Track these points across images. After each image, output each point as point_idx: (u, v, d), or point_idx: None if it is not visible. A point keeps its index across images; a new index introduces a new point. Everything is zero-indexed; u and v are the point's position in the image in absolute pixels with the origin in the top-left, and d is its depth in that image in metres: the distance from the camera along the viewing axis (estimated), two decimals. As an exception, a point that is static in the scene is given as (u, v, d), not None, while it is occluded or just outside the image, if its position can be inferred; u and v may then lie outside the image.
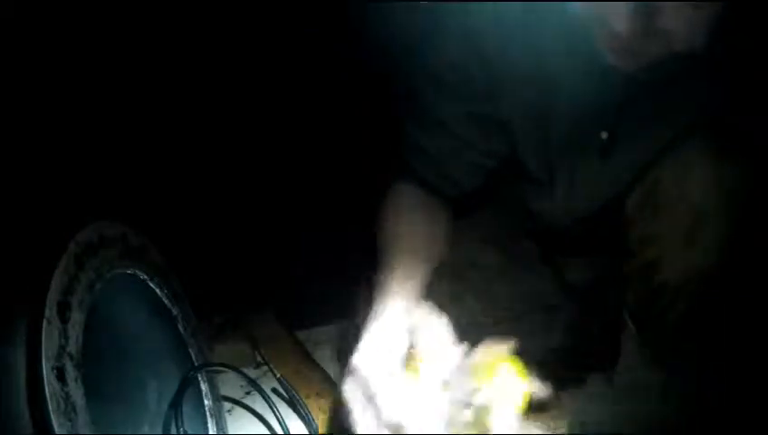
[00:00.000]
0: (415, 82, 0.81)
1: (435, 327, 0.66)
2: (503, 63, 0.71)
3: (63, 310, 0.59)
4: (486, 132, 0.78)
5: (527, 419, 0.63)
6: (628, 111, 0.66)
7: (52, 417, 0.52)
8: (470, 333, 0.89)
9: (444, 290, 0.85)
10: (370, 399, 0.61)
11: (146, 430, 0.72)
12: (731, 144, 0.60)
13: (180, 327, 0.80)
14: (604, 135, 0.68)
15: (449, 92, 0.77)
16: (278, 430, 0.81)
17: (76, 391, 0.57)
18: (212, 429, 0.79)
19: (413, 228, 0.78)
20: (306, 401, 0.85)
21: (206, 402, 0.80)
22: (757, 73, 0.59)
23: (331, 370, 0.93)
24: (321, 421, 0.82)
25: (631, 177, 0.67)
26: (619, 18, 0.53)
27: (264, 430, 0.83)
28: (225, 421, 0.83)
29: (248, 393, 0.88)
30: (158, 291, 0.77)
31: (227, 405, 0.86)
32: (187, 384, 0.77)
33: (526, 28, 0.68)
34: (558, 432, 0.79)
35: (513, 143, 0.77)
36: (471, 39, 0.73)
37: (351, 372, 0.64)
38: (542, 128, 0.73)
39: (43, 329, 0.55)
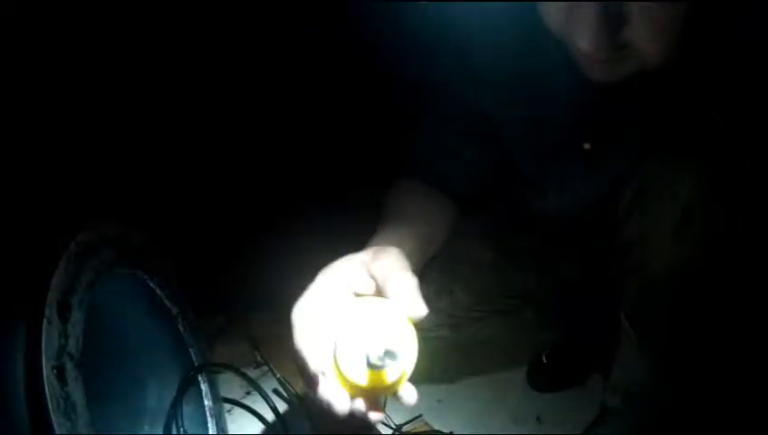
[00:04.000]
0: (413, 97, 0.82)
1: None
2: (497, 84, 0.72)
3: (63, 310, 0.59)
4: (482, 146, 0.79)
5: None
6: (612, 122, 0.67)
7: (52, 417, 0.52)
8: (460, 326, 0.90)
9: (434, 282, 0.86)
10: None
11: (146, 430, 0.72)
12: (717, 144, 0.60)
13: (180, 327, 0.80)
14: (587, 146, 0.69)
15: (445, 112, 0.78)
16: (278, 430, 0.81)
17: (76, 391, 0.57)
18: (212, 429, 0.79)
19: (418, 208, 0.78)
20: (306, 401, 0.85)
21: (206, 402, 0.80)
22: (737, 74, 0.59)
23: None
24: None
25: (618, 182, 0.67)
26: (582, 35, 0.54)
27: (264, 430, 0.83)
28: (225, 421, 0.83)
29: (248, 393, 0.88)
30: (157, 291, 0.77)
31: (227, 405, 0.86)
32: (187, 384, 0.77)
33: (520, 49, 0.69)
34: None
35: (508, 150, 0.78)
36: (467, 62, 0.74)
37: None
38: (534, 138, 0.74)
39: (43, 329, 0.55)
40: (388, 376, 0.53)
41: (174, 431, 0.72)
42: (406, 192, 0.81)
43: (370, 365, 0.52)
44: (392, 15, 0.94)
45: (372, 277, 0.57)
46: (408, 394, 0.55)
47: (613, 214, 0.68)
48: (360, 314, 0.55)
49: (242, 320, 1.00)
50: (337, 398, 0.53)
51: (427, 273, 0.85)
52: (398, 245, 0.63)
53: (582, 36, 0.54)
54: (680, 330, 0.62)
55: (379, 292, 0.57)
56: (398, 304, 0.54)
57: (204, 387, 0.81)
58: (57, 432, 0.52)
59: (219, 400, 0.83)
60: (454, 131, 0.79)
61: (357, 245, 0.66)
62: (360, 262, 0.59)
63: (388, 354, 0.51)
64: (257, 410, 0.86)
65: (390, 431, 0.86)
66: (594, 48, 0.54)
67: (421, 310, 0.54)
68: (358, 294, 0.57)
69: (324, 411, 0.54)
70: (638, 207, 0.65)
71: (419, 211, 0.77)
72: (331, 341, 0.55)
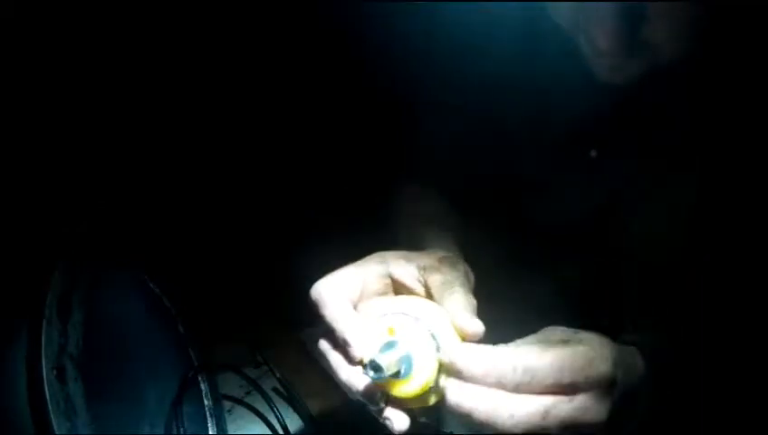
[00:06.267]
0: (415, 100, 0.82)
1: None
2: (501, 85, 0.72)
3: (63, 310, 0.59)
4: (485, 150, 0.79)
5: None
6: (617, 126, 0.66)
7: (52, 417, 0.52)
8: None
9: None
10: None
11: (146, 430, 0.72)
12: (721, 146, 0.60)
13: (180, 327, 0.80)
14: (593, 153, 0.69)
15: (448, 113, 0.78)
16: (278, 430, 0.81)
17: (76, 391, 0.57)
18: (212, 429, 0.79)
19: (435, 213, 0.77)
20: (306, 401, 0.85)
21: (206, 402, 0.80)
22: (744, 78, 0.59)
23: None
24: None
25: (620, 184, 0.67)
26: (603, 34, 0.52)
27: (264, 429, 0.83)
28: (225, 421, 0.83)
29: (248, 393, 0.88)
30: (157, 291, 0.77)
31: (227, 405, 0.86)
32: (188, 384, 0.77)
33: (526, 52, 0.68)
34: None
35: (511, 153, 0.77)
36: (470, 64, 0.73)
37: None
38: (538, 140, 0.73)
39: (43, 329, 0.55)
40: (400, 388, 0.49)
41: (174, 431, 0.72)
42: (431, 202, 0.79)
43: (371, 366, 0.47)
44: (394, 17, 0.94)
45: (426, 285, 0.55)
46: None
47: (615, 216, 0.68)
48: (410, 313, 0.51)
49: (242, 320, 1.00)
50: (354, 377, 0.51)
51: None
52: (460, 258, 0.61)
53: (602, 34, 0.52)
54: (684, 331, 0.62)
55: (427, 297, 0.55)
56: (453, 319, 0.51)
57: (204, 387, 0.81)
58: (57, 432, 0.52)
59: (219, 400, 0.83)
60: (457, 134, 0.79)
61: (360, 250, 0.66)
62: (419, 265, 0.56)
63: (379, 366, 0.46)
64: (257, 409, 0.86)
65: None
66: (613, 46, 0.53)
67: (478, 328, 0.51)
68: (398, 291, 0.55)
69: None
70: (641, 208, 0.64)
71: (454, 223, 0.76)
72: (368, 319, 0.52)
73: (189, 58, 1.07)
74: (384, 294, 0.57)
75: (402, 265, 0.56)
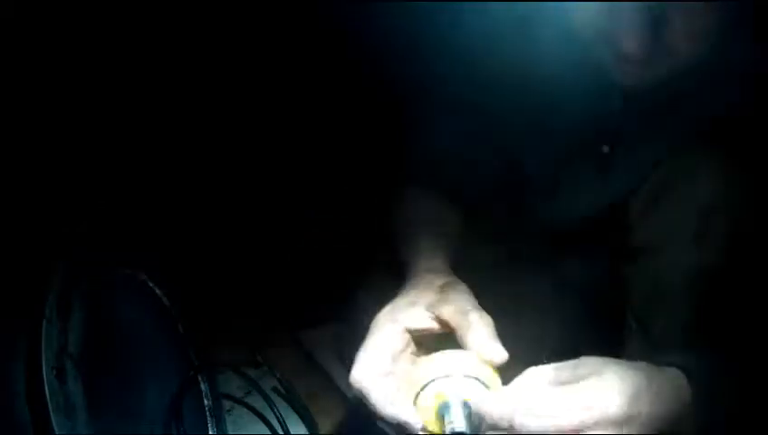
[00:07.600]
0: (418, 103, 0.82)
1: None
2: (507, 87, 0.71)
3: (63, 310, 0.59)
4: (492, 151, 0.79)
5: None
6: (631, 125, 0.66)
7: (52, 417, 0.52)
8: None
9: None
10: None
11: (146, 430, 0.72)
12: (738, 145, 0.60)
13: (180, 327, 0.80)
14: (605, 149, 0.69)
15: (451, 115, 0.78)
16: (278, 430, 0.81)
17: (76, 391, 0.57)
18: (212, 429, 0.79)
19: (432, 216, 0.78)
20: (306, 401, 0.85)
21: (206, 402, 0.80)
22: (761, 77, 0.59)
23: (331, 370, 0.93)
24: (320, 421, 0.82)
25: (633, 185, 0.67)
26: (627, 37, 0.53)
27: (264, 429, 0.83)
28: (225, 421, 0.83)
29: (248, 393, 0.88)
30: (157, 291, 0.77)
31: (227, 405, 0.86)
32: (188, 384, 0.77)
33: (532, 50, 0.68)
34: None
35: (518, 153, 0.77)
36: (476, 66, 0.73)
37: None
38: (545, 141, 0.73)
39: (43, 329, 0.55)
40: None
41: (174, 431, 0.72)
42: (429, 204, 0.79)
43: None
44: (399, 19, 0.94)
45: (439, 318, 0.57)
46: None
47: (625, 216, 0.68)
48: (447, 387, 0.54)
49: (242, 320, 1.00)
50: None
51: None
52: (454, 272, 0.64)
53: (627, 37, 0.53)
54: (694, 332, 0.62)
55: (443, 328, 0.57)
56: (478, 352, 0.54)
57: (204, 387, 0.81)
58: (57, 432, 0.52)
59: (219, 400, 0.83)
60: (463, 136, 0.79)
61: (359, 251, 0.66)
62: (426, 305, 0.58)
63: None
64: (257, 410, 0.86)
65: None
66: (638, 49, 0.53)
67: (502, 355, 0.55)
68: (417, 338, 0.58)
69: None
70: (655, 207, 0.64)
71: (451, 226, 0.77)
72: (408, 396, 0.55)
73: (190, 58, 1.07)
74: (408, 346, 0.59)
75: (411, 315, 0.58)
